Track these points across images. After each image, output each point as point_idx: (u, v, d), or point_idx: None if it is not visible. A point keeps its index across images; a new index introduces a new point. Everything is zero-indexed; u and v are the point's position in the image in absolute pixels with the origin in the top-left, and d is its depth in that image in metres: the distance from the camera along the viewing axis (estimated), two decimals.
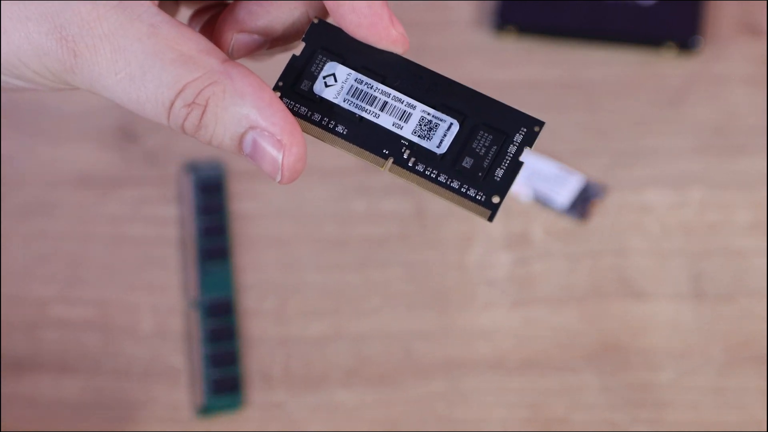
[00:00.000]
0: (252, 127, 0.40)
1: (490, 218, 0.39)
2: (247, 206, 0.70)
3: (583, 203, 0.70)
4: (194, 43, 0.40)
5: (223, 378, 0.64)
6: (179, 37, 0.40)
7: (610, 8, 0.76)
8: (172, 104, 0.40)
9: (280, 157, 0.40)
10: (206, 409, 0.63)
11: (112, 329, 0.66)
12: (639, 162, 0.71)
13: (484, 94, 0.40)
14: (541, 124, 0.39)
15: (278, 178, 0.40)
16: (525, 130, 0.39)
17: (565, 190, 0.70)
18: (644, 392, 0.63)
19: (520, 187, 0.70)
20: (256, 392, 0.64)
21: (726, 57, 0.75)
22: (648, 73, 0.75)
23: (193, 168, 0.70)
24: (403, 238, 0.68)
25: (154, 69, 0.39)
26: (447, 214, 0.69)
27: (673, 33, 0.75)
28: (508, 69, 0.75)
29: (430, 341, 0.65)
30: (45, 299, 0.67)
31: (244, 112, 0.40)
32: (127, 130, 0.73)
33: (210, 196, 0.69)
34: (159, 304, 0.66)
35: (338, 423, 0.63)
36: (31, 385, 0.64)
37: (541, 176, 0.70)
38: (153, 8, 0.40)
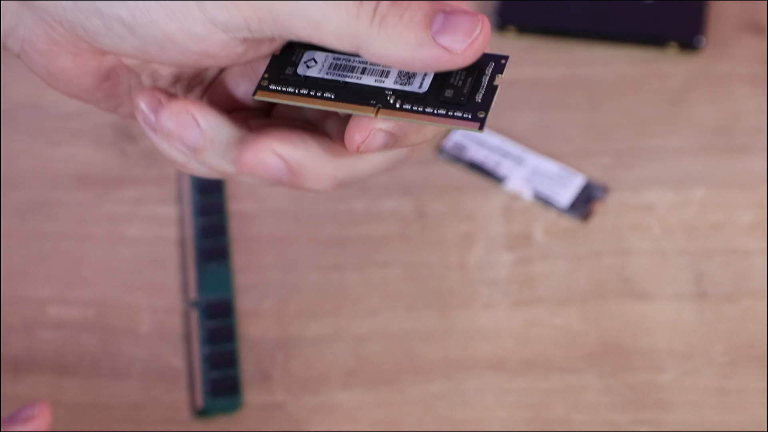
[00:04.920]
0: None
1: (480, 128, 0.42)
2: (246, 206, 0.69)
3: (584, 203, 0.69)
4: None
5: (222, 379, 0.63)
6: None
7: (612, 7, 0.76)
8: None
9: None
10: (205, 411, 0.63)
11: (111, 330, 0.66)
12: (640, 162, 0.71)
13: None
14: (506, 57, 0.44)
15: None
16: (493, 63, 0.43)
17: (566, 189, 0.70)
18: (645, 393, 0.63)
19: (521, 187, 0.70)
20: (255, 393, 0.64)
21: (728, 56, 0.75)
22: (650, 73, 0.74)
23: None
24: (403, 238, 0.68)
25: None
26: (447, 214, 0.69)
27: (676, 32, 0.75)
28: (509, 68, 0.74)
29: (431, 341, 0.65)
30: (43, 299, 0.67)
31: None
32: (125, 129, 0.72)
33: (209, 196, 0.69)
34: (158, 304, 0.66)
35: (338, 424, 0.63)
36: (29, 386, 0.64)
37: (542, 176, 0.70)
38: None
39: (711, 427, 0.62)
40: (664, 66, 0.75)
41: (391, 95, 0.43)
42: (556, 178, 0.70)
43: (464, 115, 0.42)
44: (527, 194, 0.70)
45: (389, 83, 0.43)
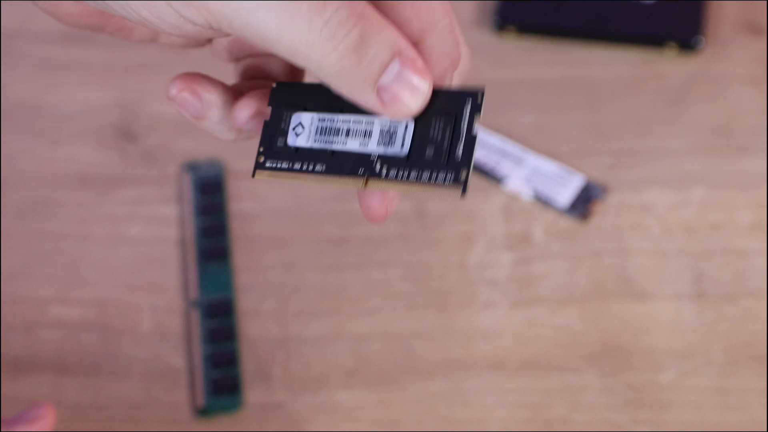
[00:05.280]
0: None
1: (463, 192, 0.42)
2: (246, 206, 0.69)
3: (583, 203, 0.69)
4: None
5: (223, 378, 0.63)
6: None
7: (611, 8, 0.76)
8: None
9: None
10: (205, 411, 0.63)
11: (111, 329, 0.66)
12: (640, 162, 0.71)
13: None
14: (481, 92, 0.43)
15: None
16: (470, 102, 0.43)
17: (565, 190, 0.70)
18: (645, 393, 0.63)
19: (520, 187, 0.70)
20: (255, 392, 0.64)
21: (727, 56, 0.75)
22: (649, 73, 0.74)
23: (192, 167, 0.70)
24: (403, 238, 0.68)
25: None
26: (447, 214, 0.69)
27: (675, 32, 0.75)
28: (509, 69, 0.75)
29: (430, 341, 0.65)
30: (44, 299, 0.67)
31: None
32: (126, 129, 0.72)
33: (209, 196, 0.69)
34: (158, 304, 0.66)
35: (338, 423, 0.63)
36: (29, 386, 0.64)
37: (541, 176, 0.70)
38: None
39: (711, 427, 0.62)
40: (663, 66, 0.75)
41: (376, 161, 0.43)
42: (556, 178, 0.70)
43: (447, 178, 0.42)
44: (527, 194, 0.70)
45: (372, 146, 0.43)
